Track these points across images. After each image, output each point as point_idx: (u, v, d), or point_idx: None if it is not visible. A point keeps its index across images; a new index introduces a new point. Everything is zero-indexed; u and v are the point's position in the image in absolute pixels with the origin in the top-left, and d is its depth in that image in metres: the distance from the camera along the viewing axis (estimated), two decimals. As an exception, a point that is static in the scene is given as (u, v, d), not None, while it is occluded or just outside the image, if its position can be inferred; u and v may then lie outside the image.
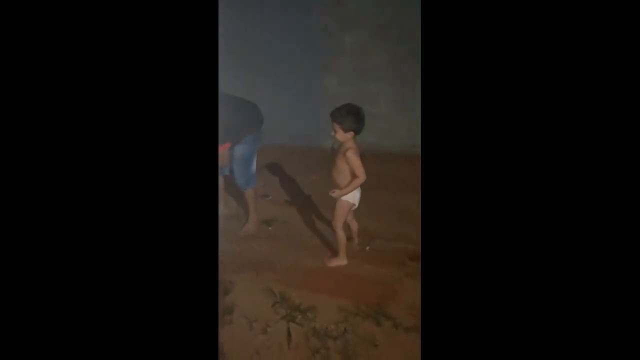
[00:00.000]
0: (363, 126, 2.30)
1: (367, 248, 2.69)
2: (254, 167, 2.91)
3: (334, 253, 2.56)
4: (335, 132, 2.30)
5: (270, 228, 3.08)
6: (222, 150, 2.64)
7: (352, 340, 1.82)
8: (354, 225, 2.68)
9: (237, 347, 1.80)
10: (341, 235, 2.45)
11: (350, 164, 2.28)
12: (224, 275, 2.32)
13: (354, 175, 2.30)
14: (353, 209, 2.47)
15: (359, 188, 2.37)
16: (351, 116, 2.25)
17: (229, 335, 1.86)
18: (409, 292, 2.14)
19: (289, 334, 1.87)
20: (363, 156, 2.31)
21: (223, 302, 2.10)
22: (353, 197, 2.38)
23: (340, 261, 2.48)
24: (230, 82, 2.73)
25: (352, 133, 2.28)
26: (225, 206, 3.27)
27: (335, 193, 2.34)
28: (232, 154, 2.80)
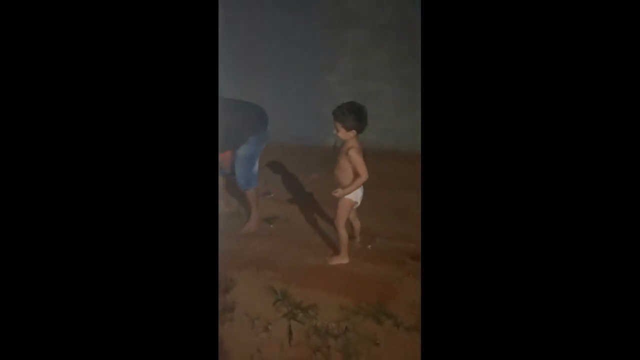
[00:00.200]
0: (366, 124, 2.28)
1: (369, 247, 2.69)
2: (256, 167, 2.89)
3: (336, 251, 2.56)
4: (338, 130, 2.28)
5: (272, 226, 3.09)
6: (223, 157, 2.64)
7: (353, 339, 1.82)
8: (357, 224, 2.68)
9: (239, 344, 1.80)
10: (343, 233, 2.45)
11: (353, 162, 2.27)
12: (226, 273, 2.32)
13: (356, 174, 2.29)
14: (355, 207, 2.47)
15: (362, 186, 2.36)
16: (353, 115, 2.23)
17: (230, 333, 1.87)
18: (410, 291, 2.14)
19: (290, 332, 1.88)
20: (365, 155, 2.31)
21: (224, 299, 2.11)
22: (355, 195, 2.37)
23: (342, 259, 2.48)
24: (231, 82, 2.75)
25: (354, 132, 2.26)
26: (226, 204, 3.27)
27: (338, 193, 2.33)
28: (234, 154, 2.80)
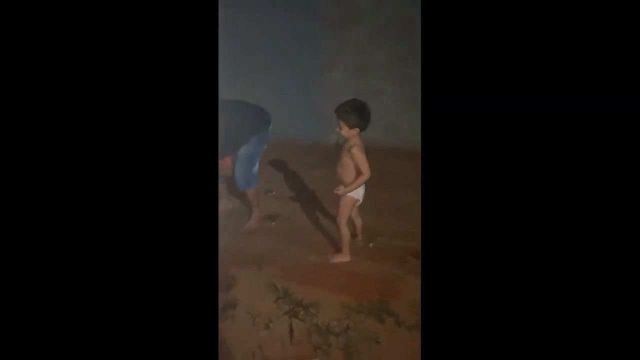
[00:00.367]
0: (369, 122, 2.26)
1: (371, 245, 2.69)
2: (256, 168, 2.87)
3: (337, 249, 2.56)
4: (341, 128, 2.26)
5: (273, 224, 3.09)
6: (222, 163, 2.64)
7: (354, 337, 1.82)
8: (359, 222, 2.68)
9: (240, 342, 1.81)
10: (345, 231, 2.44)
11: (356, 160, 2.26)
12: (227, 270, 2.33)
13: (358, 172, 2.28)
14: (357, 204, 2.46)
15: (364, 184, 2.35)
16: (356, 113, 2.21)
17: (231, 330, 1.88)
18: (412, 290, 2.14)
19: (291, 330, 1.88)
20: (367, 153, 2.30)
21: (226, 297, 2.11)
22: (357, 193, 2.37)
23: (344, 257, 2.48)
24: (231, 83, 2.74)
25: (357, 129, 2.25)
26: (228, 202, 3.27)
27: (340, 191, 2.32)
28: (235, 156, 2.79)
